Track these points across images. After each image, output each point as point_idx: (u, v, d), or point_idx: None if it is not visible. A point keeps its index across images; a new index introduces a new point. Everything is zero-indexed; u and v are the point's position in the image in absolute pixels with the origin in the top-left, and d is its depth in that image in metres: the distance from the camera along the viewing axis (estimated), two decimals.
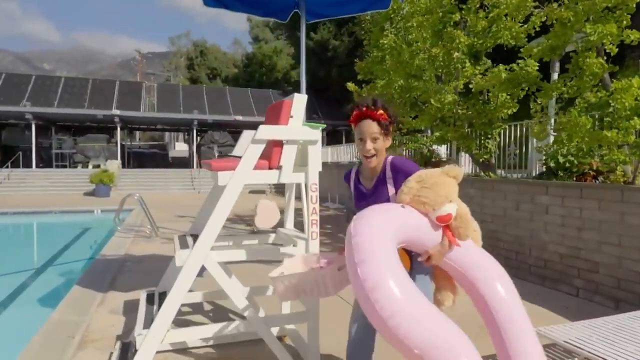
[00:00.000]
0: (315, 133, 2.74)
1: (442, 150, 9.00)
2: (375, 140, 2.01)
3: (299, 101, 2.76)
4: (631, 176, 4.64)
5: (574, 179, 5.06)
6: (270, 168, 2.74)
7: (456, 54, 5.73)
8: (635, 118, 4.33)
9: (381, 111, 2.00)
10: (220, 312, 4.02)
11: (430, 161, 7.95)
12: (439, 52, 5.90)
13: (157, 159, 30.19)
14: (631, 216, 3.94)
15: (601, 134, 4.18)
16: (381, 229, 1.67)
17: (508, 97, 6.09)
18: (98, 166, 20.40)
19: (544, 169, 5.67)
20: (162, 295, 2.99)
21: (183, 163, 27.97)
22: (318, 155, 2.80)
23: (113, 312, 4.00)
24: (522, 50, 5.22)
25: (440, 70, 6.19)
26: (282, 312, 3.38)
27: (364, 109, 2.02)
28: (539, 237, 4.94)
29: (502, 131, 6.79)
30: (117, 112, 22.02)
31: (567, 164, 5.20)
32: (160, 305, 2.80)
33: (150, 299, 2.92)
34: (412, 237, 1.83)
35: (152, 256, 6.38)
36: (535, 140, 6.83)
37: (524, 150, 7.03)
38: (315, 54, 26.69)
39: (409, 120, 9.10)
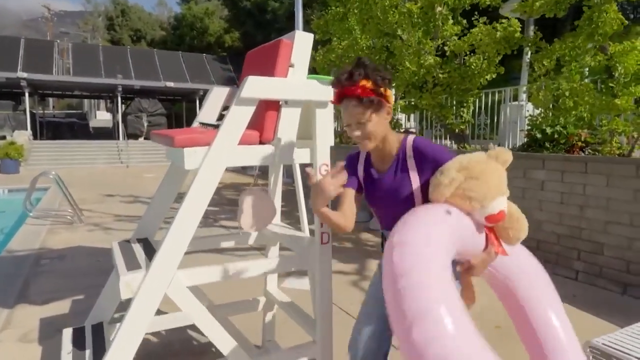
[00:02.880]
0: (326, 90, 1.89)
1: (404, 119, 8.42)
2: (362, 124, 1.48)
3: (303, 42, 1.87)
4: (628, 148, 4.30)
5: (564, 151, 4.67)
6: (262, 142, 1.86)
7: (439, 8, 5.03)
8: (636, 85, 3.93)
9: (363, 82, 1.45)
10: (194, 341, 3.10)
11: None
12: (418, 5, 5.15)
13: (76, 129, 26.98)
14: None
15: (611, 101, 3.73)
16: (435, 260, 1.13)
17: (485, 61, 5.55)
18: (3, 137, 17.60)
19: (525, 140, 5.26)
20: (98, 332, 2.03)
21: (107, 134, 25.27)
22: (329, 122, 1.96)
23: (24, 340, 2.93)
24: (517, 5, 4.63)
25: (417, 28, 5.48)
26: (281, 343, 2.58)
27: (339, 85, 1.49)
28: (532, 216, 4.50)
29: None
30: (24, 74, 19.01)
31: (556, 135, 4.79)
32: (97, 351, 1.86)
33: (78, 340, 1.96)
34: (461, 251, 1.39)
35: (77, 249, 5.19)
36: (508, 109, 6.44)
37: (495, 120, 6.64)
38: (252, 16, 24.94)
39: None
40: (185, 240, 1.66)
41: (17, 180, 12.53)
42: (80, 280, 4.04)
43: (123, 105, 23.45)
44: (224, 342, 1.75)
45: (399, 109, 7.51)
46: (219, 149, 1.70)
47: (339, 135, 7.98)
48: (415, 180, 1.53)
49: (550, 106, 4.48)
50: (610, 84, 4.10)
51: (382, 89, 1.46)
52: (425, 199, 1.50)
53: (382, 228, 1.70)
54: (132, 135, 21.27)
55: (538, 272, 1.76)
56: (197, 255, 2.36)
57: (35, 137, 20.32)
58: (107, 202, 8.84)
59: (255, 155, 1.83)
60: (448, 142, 6.92)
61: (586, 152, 4.63)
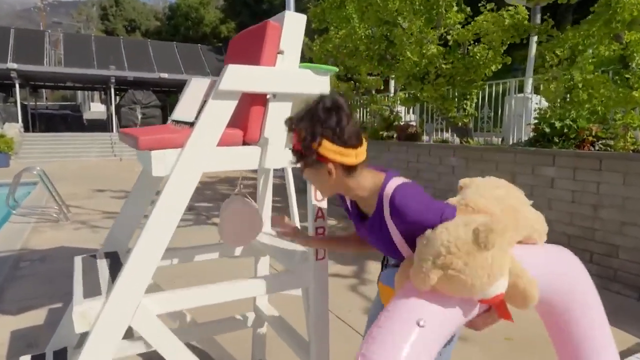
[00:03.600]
0: (322, 81, 1.61)
1: (404, 112, 8.13)
2: (308, 178, 1.32)
3: (294, 24, 1.59)
4: None
5: (574, 146, 4.41)
6: (246, 142, 1.58)
7: None
8: None
9: (295, 135, 1.25)
10: None
11: (392, 125, 7.07)
12: None
13: (69, 121, 26.51)
14: None
15: (629, 94, 3.46)
16: None
17: (490, 50, 5.26)
18: None
19: (532, 135, 4.99)
20: (60, 358, 1.77)
21: (100, 126, 24.84)
22: None
23: None
24: None
25: (419, 16, 5.18)
26: None
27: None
28: None
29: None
30: (14, 65, 18.54)
31: (566, 129, 4.52)
32: None
33: None
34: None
35: (60, 250, 4.92)
36: (513, 102, 6.17)
37: (499, 113, 6.36)
38: (248, 6, 24.45)
39: (366, 78, 8.10)
40: (153, 260, 1.39)
41: (6, 174, 12.20)
42: (60, 285, 3.77)
43: (117, 97, 23.03)
44: None
45: (399, 102, 7.23)
46: (194, 151, 1.43)
47: (364, 129, 7.67)
48: (396, 235, 1.26)
49: (562, 99, 4.21)
50: (626, 75, 3.82)
51: (313, 145, 1.20)
52: (414, 247, 1.23)
53: None
54: (126, 128, 20.90)
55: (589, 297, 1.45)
56: (175, 266, 2.10)
57: (27, 129, 19.90)
58: (97, 197, 8.56)
59: (237, 158, 1.56)
60: (450, 136, 6.65)
61: (597, 148, 4.37)
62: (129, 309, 1.35)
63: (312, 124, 1.20)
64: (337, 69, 1.73)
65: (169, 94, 26.62)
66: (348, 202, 1.42)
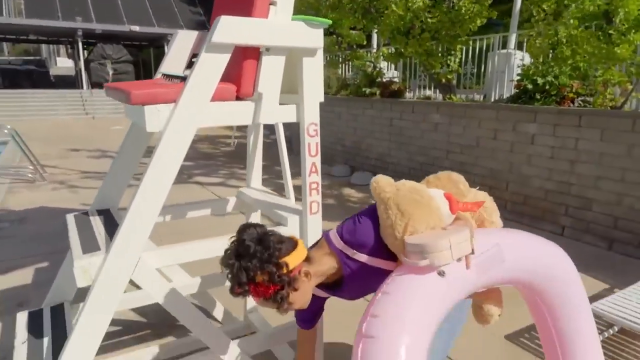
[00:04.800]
0: (316, 34, 1.58)
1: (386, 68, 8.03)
2: (279, 308, 1.26)
3: None
4: (621, 100, 4.14)
5: (555, 103, 4.49)
6: (239, 98, 1.55)
7: None
8: (635, 32, 3.71)
9: (259, 286, 1.20)
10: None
11: (375, 82, 7.00)
12: None
13: (35, 77, 25.12)
14: None
15: (612, 50, 3.50)
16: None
17: (476, 4, 5.18)
18: None
19: (514, 91, 5.04)
20: (57, 315, 1.79)
21: (69, 82, 23.70)
22: (319, 74, 1.66)
23: None
24: None
25: None
26: (264, 314, 2.40)
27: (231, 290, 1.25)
28: (519, 171, 4.39)
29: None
30: None
31: (547, 86, 4.59)
32: (57, 338, 1.63)
33: (35, 325, 1.71)
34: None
35: (40, 210, 4.83)
36: (496, 58, 6.16)
37: (482, 69, 6.36)
38: None
39: (349, 32, 7.91)
40: (151, 217, 1.39)
41: None
42: (44, 245, 3.74)
43: (85, 52, 21.87)
44: (204, 332, 1.53)
45: (382, 57, 7.12)
46: (188, 106, 1.40)
47: (347, 85, 7.53)
48: (374, 262, 1.31)
49: (546, 55, 4.23)
50: (609, 31, 3.85)
51: (283, 271, 1.21)
52: (391, 257, 1.29)
53: None
54: (96, 84, 19.99)
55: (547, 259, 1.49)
56: (168, 223, 2.10)
57: None
58: (73, 157, 8.32)
59: (231, 113, 1.54)
60: (433, 93, 6.64)
61: (576, 104, 4.47)
62: (129, 263, 1.37)
63: (263, 260, 1.17)
64: (330, 22, 1.68)
65: (141, 48, 25.44)
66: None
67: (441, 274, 1.13)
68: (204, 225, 2.93)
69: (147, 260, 1.43)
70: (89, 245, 1.47)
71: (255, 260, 1.16)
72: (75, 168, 7.17)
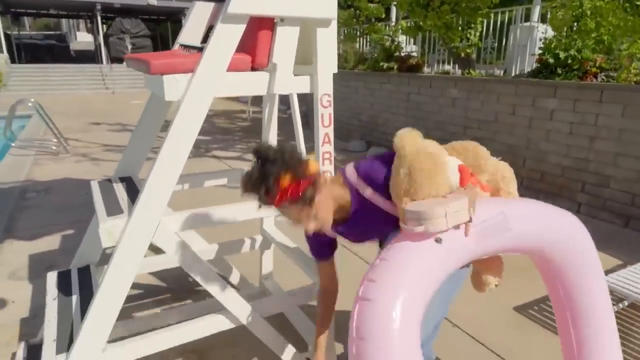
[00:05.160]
0: (329, 4, 1.59)
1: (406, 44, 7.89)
2: (299, 221, 1.26)
3: None
4: None
5: (577, 78, 4.37)
6: (254, 68, 1.59)
7: None
8: None
9: (286, 187, 1.17)
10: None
11: (393, 56, 6.90)
12: None
13: (55, 52, 25.41)
14: None
15: (638, 22, 3.38)
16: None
17: None
18: None
19: (536, 66, 4.92)
20: (84, 275, 1.90)
21: (89, 57, 23.93)
22: (333, 45, 1.68)
23: (13, 277, 2.84)
24: None
25: None
26: (279, 281, 2.49)
27: (259, 200, 1.21)
28: (537, 147, 4.33)
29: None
30: None
31: (570, 60, 4.46)
32: (84, 296, 1.75)
33: (64, 284, 1.83)
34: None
35: (64, 182, 5.01)
36: (518, 31, 5.99)
37: (503, 43, 6.19)
38: None
39: (367, 5, 7.76)
40: (170, 182, 1.45)
41: None
42: (69, 215, 3.90)
43: (104, 26, 21.97)
44: (222, 293, 1.62)
45: (401, 31, 6.99)
46: (205, 76, 1.44)
47: (364, 60, 7.44)
48: (381, 202, 1.33)
49: (569, 28, 4.10)
50: (637, 2, 3.71)
51: (306, 172, 1.20)
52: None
53: None
54: (115, 59, 20.16)
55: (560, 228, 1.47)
56: (185, 192, 2.18)
57: (12, 60, 19.20)
58: (94, 130, 8.52)
59: (247, 83, 1.58)
60: (451, 68, 6.52)
61: (599, 79, 4.35)
62: (150, 225, 1.44)
63: (285, 159, 1.17)
64: None
65: (159, 22, 25.41)
66: (317, 238, 1.49)
67: (438, 241, 1.16)
68: (220, 195, 3.01)
69: (167, 224, 1.50)
70: (113, 208, 1.55)
71: (278, 162, 1.16)
72: (96, 141, 7.35)
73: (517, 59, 5.86)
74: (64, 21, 34.01)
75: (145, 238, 1.44)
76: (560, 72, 4.50)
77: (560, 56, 4.48)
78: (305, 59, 1.75)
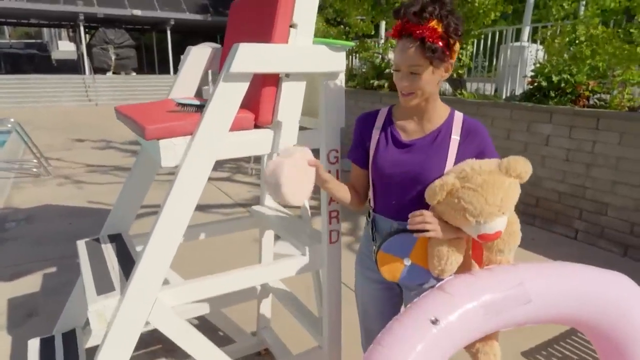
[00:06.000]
0: (337, 58, 1.49)
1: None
2: (415, 74, 1.21)
3: None
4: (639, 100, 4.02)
5: (570, 102, 4.37)
6: (257, 126, 1.48)
7: None
8: None
9: (434, 23, 1.14)
10: None
11: (384, 74, 6.86)
12: None
13: (36, 61, 24.96)
14: None
15: (634, 51, 3.38)
16: None
17: None
18: None
19: (527, 88, 4.92)
20: (69, 342, 1.75)
21: (71, 67, 23.54)
22: (340, 98, 1.58)
23: None
24: None
25: None
26: (276, 330, 2.36)
27: (404, 18, 1.17)
28: (533, 173, 4.28)
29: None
30: None
31: (563, 84, 4.46)
32: None
33: (47, 354, 1.67)
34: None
35: (46, 209, 4.79)
36: (508, 52, 6.01)
37: (493, 62, 6.21)
38: None
39: (357, 22, 7.72)
40: (168, 254, 1.33)
41: None
42: (52, 248, 3.71)
43: (87, 36, 21.60)
44: None
45: (391, 48, 6.96)
46: (205, 139, 1.33)
47: (354, 77, 7.34)
48: (450, 164, 1.28)
49: (565, 55, 4.10)
50: (630, 30, 3.72)
51: (451, 40, 1.19)
52: None
53: (375, 211, 1.42)
54: (99, 70, 19.84)
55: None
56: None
57: None
58: (77, 148, 8.27)
59: (250, 143, 1.46)
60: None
61: (592, 101, 4.35)
62: (146, 305, 1.31)
63: (452, 18, 1.15)
64: (353, 44, 1.59)
65: (144, 32, 25.16)
66: (377, 132, 1.39)
67: (434, 322, 1.10)
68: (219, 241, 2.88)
69: (164, 300, 1.37)
70: (103, 282, 1.41)
71: (450, 12, 1.16)
72: (80, 161, 7.11)
73: (509, 79, 5.87)
74: (45, 30, 33.42)
75: (139, 319, 1.31)
76: (553, 95, 4.49)
77: (553, 79, 4.48)
78: (310, 111, 1.65)
